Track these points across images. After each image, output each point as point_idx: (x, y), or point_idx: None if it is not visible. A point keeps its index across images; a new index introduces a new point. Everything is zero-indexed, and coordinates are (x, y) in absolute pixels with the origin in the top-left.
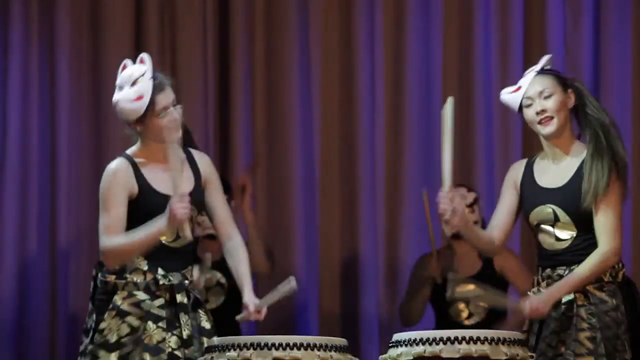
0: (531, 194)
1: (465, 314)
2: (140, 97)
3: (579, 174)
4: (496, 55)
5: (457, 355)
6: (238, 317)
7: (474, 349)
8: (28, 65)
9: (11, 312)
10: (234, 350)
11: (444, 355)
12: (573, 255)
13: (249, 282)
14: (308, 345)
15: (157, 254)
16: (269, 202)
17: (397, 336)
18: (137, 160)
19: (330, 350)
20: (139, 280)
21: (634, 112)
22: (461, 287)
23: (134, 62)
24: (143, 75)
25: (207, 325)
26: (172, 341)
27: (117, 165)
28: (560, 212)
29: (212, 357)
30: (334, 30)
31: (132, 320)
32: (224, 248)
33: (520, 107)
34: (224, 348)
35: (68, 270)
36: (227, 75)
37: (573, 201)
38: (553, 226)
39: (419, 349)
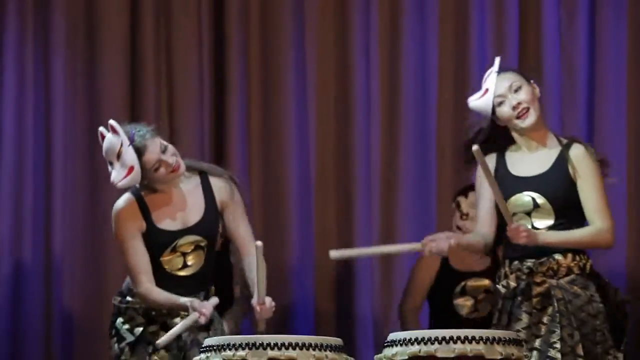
0: (506, 184)
1: (468, 309)
2: (131, 169)
3: (559, 162)
4: (491, 55)
5: (452, 355)
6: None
7: (469, 348)
8: (23, 66)
9: (5, 316)
10: (230, 349)
11: (439, 354)
12: (540, 249)
13: (260, 289)
14: (303, 344)
15: (163, 281)
16: (264, 202)
17: (392, 336)
18: (144, 195)
19: (325, 350)
20: (138, 306)
21: (628, 111)
22: (475, 281)
23: (106, 128)
24: (122, 145)
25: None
26: None
27: (124, 203)
28: (540, 199)
29: (207, 357)
30: (329, 31)
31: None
32: (244, 262)
33: (493, 109)
34: (219, 348)
35: (62, 274)
36: (223, 75)
37: (554, 188)
38: (530, 215)
39: (414, 349)
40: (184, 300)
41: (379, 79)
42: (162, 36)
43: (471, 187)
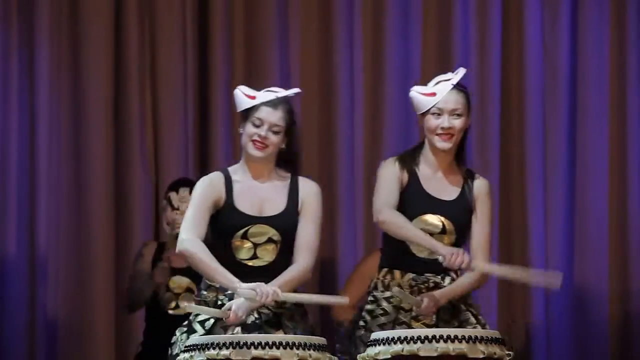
0: (420, 199)
1: None
2: (252, 97)
3: (464, 191)
4: (474, 54)
5: (435, 354)
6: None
7: (452, 347)
8: (7, 64)
9: None
10: (213, 349)
11: (421, 353)
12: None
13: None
14: (287, 344)
15: (230, 267)
16: None
17: (375, 335)
18: (232, 177)
19: (309, 349)
20: (209, 299)
21: (610, 111)
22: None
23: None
24: (277, 92)
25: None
26: None
27: (211, 175)
28: (448, 225)
29: (191, 356)
30: (313, 29)
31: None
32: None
33: (426, 112)
34: (203, 347)
35: (47, 274)
36: (207, 72)
37: (461, 216)
38: (432, 235)
39: (397, 348)
40: (238, 285)
41: (363, 76)
42: (146, 33)
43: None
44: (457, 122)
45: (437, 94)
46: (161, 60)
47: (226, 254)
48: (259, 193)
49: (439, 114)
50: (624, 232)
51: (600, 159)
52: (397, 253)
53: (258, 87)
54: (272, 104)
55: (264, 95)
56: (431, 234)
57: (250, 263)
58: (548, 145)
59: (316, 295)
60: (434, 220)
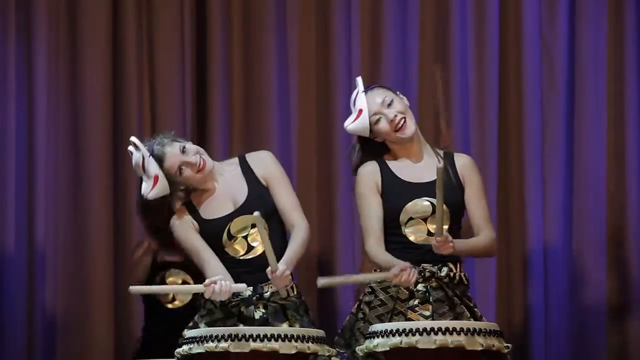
0: (399, 190)
1: None
2: (156, 178)
3: (446, 166)
4: (472, 47)
5: (434, 346)
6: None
7: (450, 339)
8: (5, 59)
9: None
10: (212, 341)
11: (420, 346)
12: (440, 255)
13: (285, 256)
14: (285, 336)
15: (232, 269)
16: None
17: (373, 327)
18: (192, 197)
19: (307, 342)
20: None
21: (608, 103)
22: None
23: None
24: (144, 158)
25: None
26: None
27: (176, 215)
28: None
29: (190, 349)
30: (310, 19)
31: None
32: (291, 235)
33: (371, 127)
34: (202, 339)
35: (45, 269)
36: (205, 66)
37: (451, 193)
38: (425, 220)
39: (396, 340)
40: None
41: (360, 69)
42: (144, 26)
43: None
44: (396, 107)
45: (362, 109)
46: (159, 54)
47: (225, 258)
48: (218, 196)
49: (378, 119)
50: (622, 225)
51: (598, 150)
52: (393, 245)
53: (254, 80)
54: (169, 141)
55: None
56: (424, 219)
57: (250, 256)
58: (546, 138)
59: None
60: (421, 203)
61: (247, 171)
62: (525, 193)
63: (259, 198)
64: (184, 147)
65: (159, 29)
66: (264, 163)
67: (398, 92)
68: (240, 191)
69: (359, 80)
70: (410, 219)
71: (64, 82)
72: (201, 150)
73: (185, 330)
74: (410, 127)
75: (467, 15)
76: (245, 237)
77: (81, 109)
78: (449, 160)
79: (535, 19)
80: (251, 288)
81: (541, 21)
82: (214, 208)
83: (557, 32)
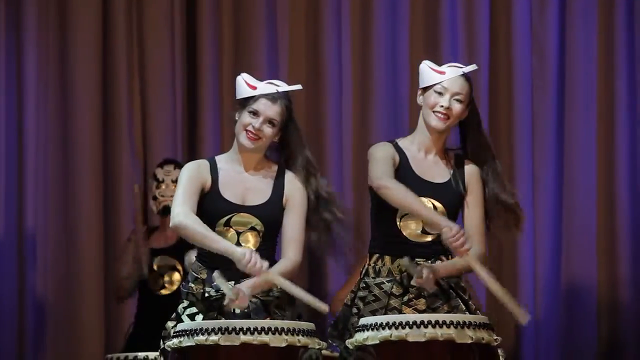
0: (411, 181)
1: None
2: (253, 87)
3: (456, 174)
4: (462, 40)
5: (423, 339)
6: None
7: (440, 332)
8: None
9: None
10: (202, 334)
11: (410, 339)
12: (435, 249)
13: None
14: (276, 329)
15: (216, 262)
16: None
17: (363, 320)
18: (219, 165)
19: (298, 335)
20: (196, 291)
21: (598, 97)
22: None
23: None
24: (279, 86)
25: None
26: None
27: (196, 162)
28: (439, 207)
29: (180, 342)
30: (300, 13)
31: None
32: (279, 261)
33: (429, 87)
34: (192, 332)
35: (35, 259)
36: (195, 59)
37: (453, 199)
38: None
39: (386, 333)
40: (239, 251)
41: (351, 62)
42: (134, 19)
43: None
44: (457, 106)
45: (446, 73)
46: (149, 46)
47: None
48: (244, 182)
49: (441, 93)
50: (611, 221)
51: (587, 144)
52: (387, 239)
53: (247, 69)
54: (272, 97)
55: (265, 87)
56: None
57: None
58: (536, 130)
59: (302, 290)
60: (425, 203)
61: (279, 182)
62: (515, 188)
63: (272, 210)
64: (269, 118)
65: (149, 24)
66: (296, 187)
67: (471, 104)
68: (261, 194)
69: (473, 67)
70: (407, 214)
71: (54, 73)
72: (274, 131)
73: (169, 322)
74: (443, 125)
75: (457, 8)
76: (239, 234)
77: (71, 99)
78: (460, 163)
79: (525, 13)
80: (233, 282)
81: (532, 15)
82: (231, 189)
83: (547, 25)
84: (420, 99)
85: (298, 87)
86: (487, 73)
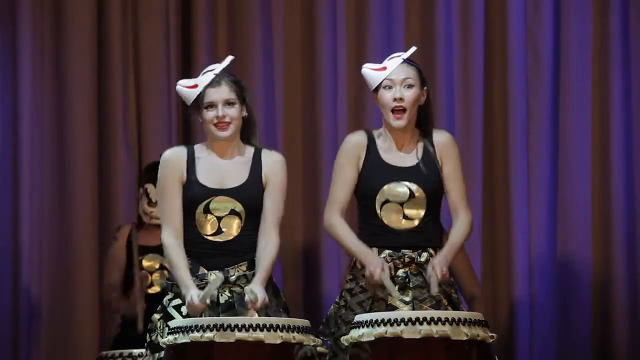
0: (380, 170)
1: None
2: (194, 86)
3: (427, 153)
4: (457, 35)
5: (419, 336)
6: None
7: (435, 329)
8: None
9: None
10: (197, 331)
11: (405, 336)
12: (420, 237)
13: (258, 273)
14: (271, 326)
15: (197, 245)
16: None
17: (358, 317)
18: (196, 151)
19: (293, 332)
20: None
21: (593, 93)
22: None
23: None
24: (213, 70)
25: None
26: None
27: (173, 150)
28: (416, 190)
29: (175, 339)
30: (296, 6)
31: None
32: (258, 247)
33: (378, 87)
34: (187, 329)
35: (30, 260)
36: (190, 55)
37: (428, 178)
38: (402, 205)
39: (381, 330)
40: (195, 293)
41: (346, 55)
42: (129, 16)
43: None
44: (409, 93)
45: (387, 68)
46: (144, 43)
47: (192, 232)
48: (222, 168)
49: (390, 87)
50: (606, 224)
51: (582, 140)
52: (374, 230)
53: (242, 66)
54: (215, 82)
55: (204, 79)
56: (401, 203)
57: (216, 239)
58: (531, 127)
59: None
60: (399, 188)
61: (256, 163)
62: (511, 184)
63: (251, 190)
64: (231, 102)
65: (144, 18)
66: (274, 165)
67: (426, 87)
68: (239, 176)
69: (412, 49)
70: (387, 201)
71: (49, 72)
72: (239, 119)
73: (155, 314)
74: (403, 121)
75: (452, 4)
76: (219, 219)
77: (66, 99)
78: (428, 137)
79: (520, 12)
80: (217, 271)
81: (526, 12)
82: (209, 175)
83: (542, 22)
84: (377, 104)
85: (230, 58)
86: (482, 72)
